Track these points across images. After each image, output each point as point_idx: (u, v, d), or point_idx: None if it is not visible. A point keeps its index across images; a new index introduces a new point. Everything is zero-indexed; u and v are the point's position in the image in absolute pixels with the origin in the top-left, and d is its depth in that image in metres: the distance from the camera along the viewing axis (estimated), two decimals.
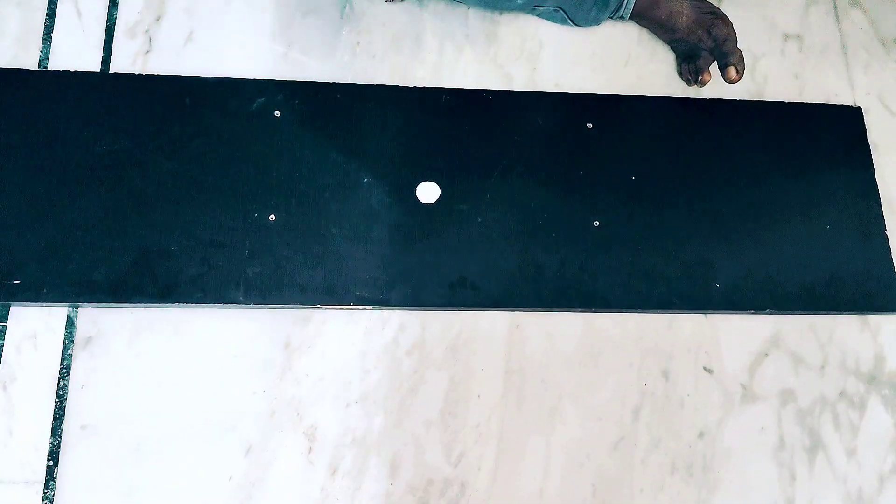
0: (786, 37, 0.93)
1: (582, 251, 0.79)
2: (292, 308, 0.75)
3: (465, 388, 0.75)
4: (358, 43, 0.85)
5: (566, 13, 0.86)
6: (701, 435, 0.76)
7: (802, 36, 0.93)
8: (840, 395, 0.79)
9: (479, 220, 0.79)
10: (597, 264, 0.79)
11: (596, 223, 0.80)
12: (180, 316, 0.73)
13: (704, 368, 0.78)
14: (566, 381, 0.76)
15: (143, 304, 0.73)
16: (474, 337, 0.77)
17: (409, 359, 0.75)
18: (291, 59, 0.84)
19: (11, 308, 0.72)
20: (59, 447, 0.69)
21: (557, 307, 0.77)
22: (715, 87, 0.88)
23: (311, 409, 0.72)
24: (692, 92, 0.88)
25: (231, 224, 0.75)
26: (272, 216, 0.76)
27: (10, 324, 0.71)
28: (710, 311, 0.80)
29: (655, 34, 0.90)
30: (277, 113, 0.80)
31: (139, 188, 0.76)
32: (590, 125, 0.84)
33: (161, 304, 0.73)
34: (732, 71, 0.83)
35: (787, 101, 0.89)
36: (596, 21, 0.88)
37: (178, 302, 0.73)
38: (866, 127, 0.88)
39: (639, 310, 0.79)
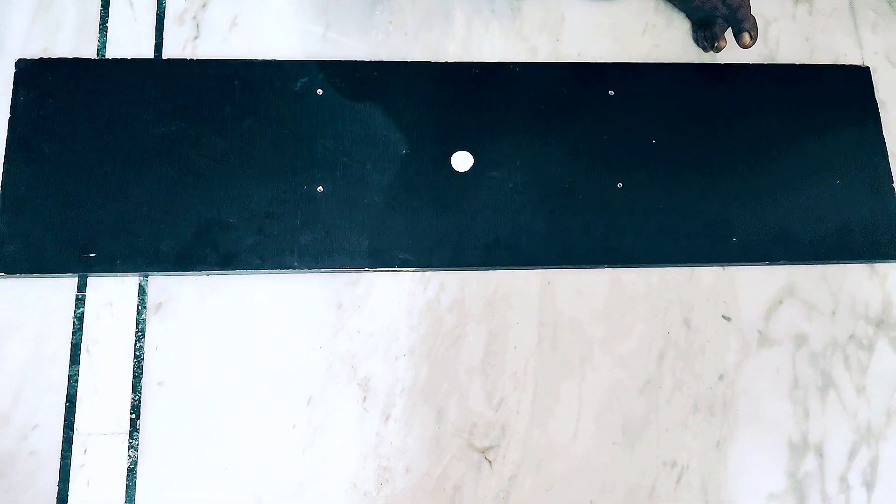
0: (797, 1, 0.97)
1: (607, 212, 0.85)
2: (342, 272, 0.81)
3: (502, 340, 0.82)
4: (391, 22, 0.91)
5: None
6: (721, 377, 0.82)
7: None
8: (850, 338, 0.85)
9: (511, 185, 0.85)
10: (621, 223, 0.85)
11: (619, 185, 0.86)
12: (241, 282, 0.80)
13: (723, 317, 0.84)
14: (595, 332, 0.83)
15: (206, 272, 0.80)
16: (509, 293, 0.83)
17: (451, 315, 0.82)
18: (329, 40, 0.89)
19: (89, 279, 0.79)
20: (139, 402, 0.76)
21: (586, 264, 0.84)
22: (730, 53, 0.93)
23: (363, 362, 0.79)
24: (708, 58, 0.93)
25: (283, 196, 0.82)
26: (320, 188, 0.83)
27: (89, 293, 0.79)
28: (727, 264, 0.86)
29: (672, 4, 0.94)
30: (320, 91, 0.86)
31: (197, 166, 0.82)
32: (611, 92, 0.90)
33: (223, 272, 0.80)
34: (746, 37, 0.88)
35: (798, 63, 0.94)
36: None
37: (239, 269, 0.79)
38: (874, 85, 0.93)
39: (661, 264, 0.85)
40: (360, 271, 0.82)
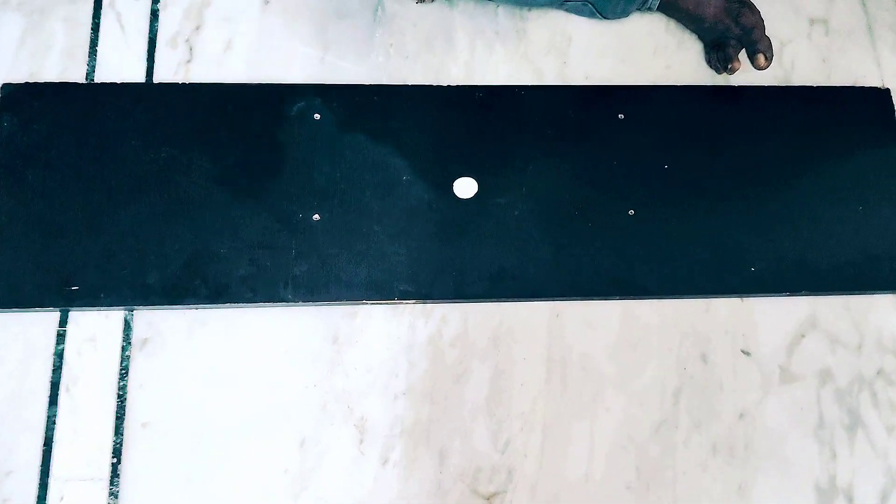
0: (812, 21, 0.93)
1: (618, 240, 0.81)
2: (339, 304, 0.77)
3: (508, 377, 0.77)
4: (391, 45, 0.88)
5: (594, 6, 0.88)
6: (741, 416, 0.77)
7: (828, 20, 0.93)
8: (878, 373, 0.80)
9: (517, 212, 0.81)
10: (633, 252, 0.80)
11: (631, 212, 0.82)
12: (232, 315, 0.76)
13: (742, 351, 0.80)
14: (607, 368, 0.78)
15: (195, 306, 0.75)
16: (515, 327, 0.79)
17: (453, 350, 0.77)
18: (328, 63, 0.86)
19: (71, 313, 0.75)
20: (121, 444, 0.72)
21: (596, 296, 0.79)
22: (743, 75, 0.89)
23: (360, 401, 0.75)
24: (721, 80, 0.90)
25: (277, 225, 0.78)
26: (316, 216, 0.79)
27: (70, 328, 0.74)
28: (745, 295, 0.81)
29: (683, 24, 0.91)
30: (317, 116, 0.82)
31: (187, 194, 0.78)
32: (621, 116, 0.86)
33: (213, 305, 0.75)
34: (762, 58, 0.84)
35: (815, 85, 0.90)
36: (624, 13, 0.89)
37: (229, 302, 0.75)
38: (895, 107, 0.89)
39: (676, 295, 0.80)
40: (357, 304, 0.77)
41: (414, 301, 0.77)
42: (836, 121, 0.88)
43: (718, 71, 0.89)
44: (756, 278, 0.81)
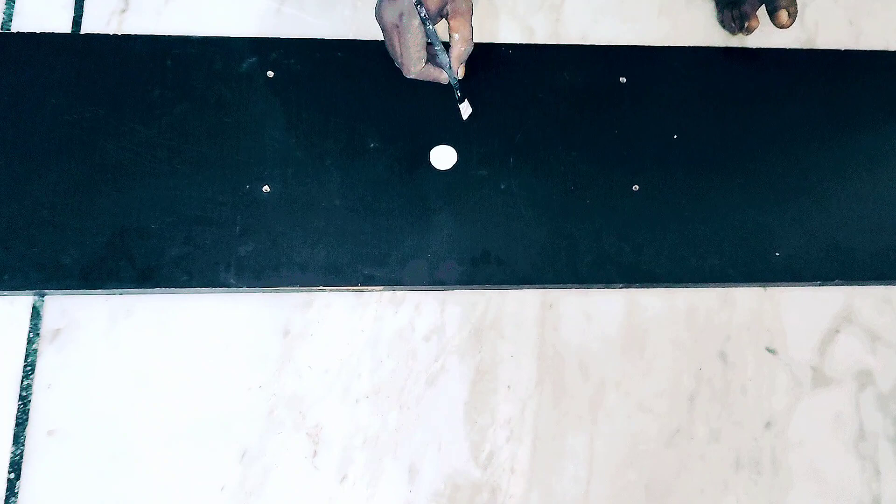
0: None
1: (621, 219, 0.69)
2: (291, 291, 0.65)
3: (492, 377, 0.65)
4: None
5: None
6: (768, 425, 0.65)
7: None
8: None
9: (503, 186, 0.69)
10: (638, 234, 0.69)
11: (635, 187, 0.70)
12: (162, 303, 0.64)
13: (767, 349, 0.68)
14: (609, 368, 0.66)
15: (119, 291, 0.63)
16: (501, 319, 0.67)
17: (428, 345, 0.65)
18: (285, 16, 0.74)
19: None
20: (21, 457, 0.59)
21: (595, 283, 0.67)
22: (761, 36, 0.78)
23: (314, 405, 0.62)
24: (735, 42, 0.79)
25: (219, 197, 0.66)
26: (266, 187, 0.67)
27: None
28: (769, 283, 0.69)
29: None
30: (270, 74, 0.71)
31: (114, 160, 0.66)
32: (623, 79, 0.75)
33: (140, 290, 0.63)
34: (784, 14, 0.73)
35: (843, 48, 0.79)
36: None
37: (160, 287, 0.63)
38: None
39: (688, 284, 0.69)
40: (313, 290, 0.65)
41: (381, 287, 0.65)
42: (868, 88, 0.77)
43: (733, 31, 0.78)
44: (781, 265, 0.69)
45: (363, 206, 0.67)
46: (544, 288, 0.68)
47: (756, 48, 0.78)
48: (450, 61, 0.65)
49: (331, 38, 0.73)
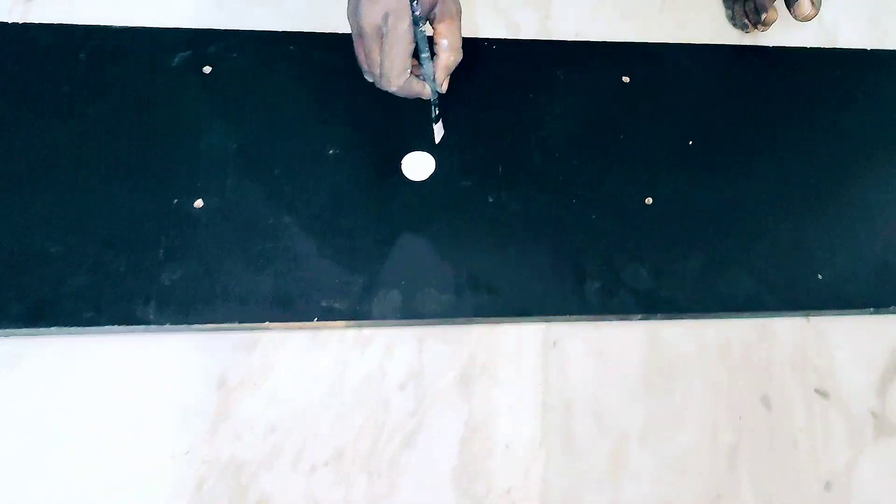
0: None
1: (634, 237, 0.57)
2: (229, 329, 0.51)
3: (486, 434, 0.51)
4: None
5: None
6: (828, 486, 0.53)
7: None
8: None
9: (491, 199, 0.57)
10: (656, 254, 0.57)
11: (648, 200, 0.59)
12: (61, 346, 0.50)
13: (817, 391, 0.56)
14: (630, 418, 0.53)
15: (4, 332, 0.49)
16: (495, 361, 0.53)
17: (404, 395, 0.51)
18: (227, 9, 0.63)
19: None
20: None
21: (608, 313, 0.55)
22: (774, 35, 0.69)
23: (258, 475, 0.48)
24: (749, 40, 0.69)
25: (139, 214, 0.53)
26: (199, 202, 0.54)
27: None
28: (813, 312, 0.58)
29: None
30: (208, 69, 0.59)
31: (5, 168, 0.53)
32: (626, 79, 0.64)
33: (31, 330, 0.49)
34: (806, 4, 0.63)
35: (866, 48, 0.70)
36: None
37: (57, 325, 0.49)
38: None
39: (718, 313, 0.56)
40: (257, 328, 0.51)
41: (343, 323, 0.52)
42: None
43: (746, 28, 0.68)
44: (826, 289, 0.58)
45: (320, 224, 0.54)
46: (546, 321, 0.55)
47: (774, 46, 0.68)
48: (434, 73, 0.54)
49: (282, 29, 0.61)
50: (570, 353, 0.54)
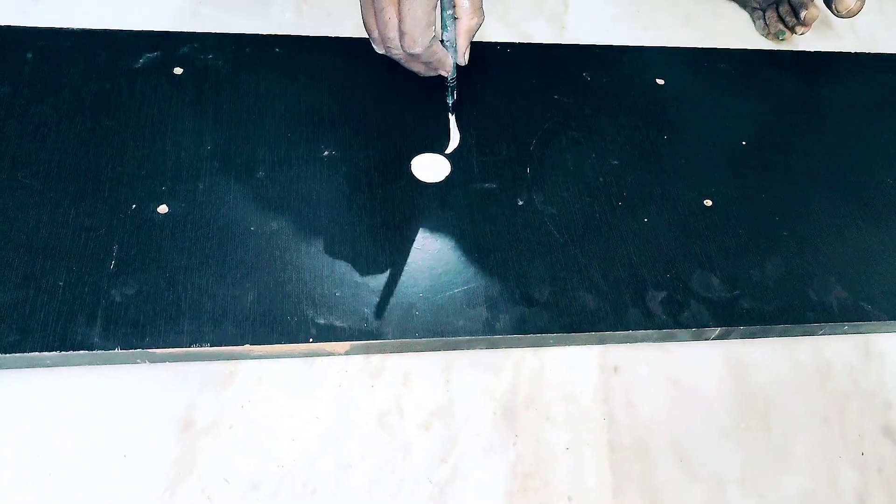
0: None
1: (697, 242, 0.47)
2: (198, 356, 0.39)
3: (540, 484, 0.38)
4: (305, 0, 0.58)
5: None
6: None
7: None
8: None
9: (521, 202, 0.47)
10: (727, 261, 0.47)
11: (708, 202, 0.49)
12: None
13: None
14: (722, 457, 0.41)
15: None
16: (543, 391, 0.41)
17: (429, 438, 0.39)
18: (204, 17, 0.55)
19: None
20: None
21: (679, 327, 0.44)
22: (808, 43, 0.63)
23: None
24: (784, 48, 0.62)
25: (86, 221, 0.42)
26: (163, 207, 0.43)
27: None
28: None
29: None
30: (178, 70, 0.50)
31: None
32: (660, 81, 0.56)
33: None
34: None
35: None
36: None
37: None
38: None
39: (810, 328, 0.45)
40: (235, 355, 0.39)
41: (347, 346, 0.40)
42: None
43: (782, 34, 0.62)
44: None
45: (314, 229, 0.44)
46: (601, 341, 0.43)
47: (815, 51, 0.62)
48: (455, 38, 0.46)
49: (266, 33, 0.53)
50: (637, 381, 0.43)
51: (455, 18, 0.46)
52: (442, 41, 0.47)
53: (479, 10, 0.46)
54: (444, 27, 0.46)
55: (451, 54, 0.47)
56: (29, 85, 0.47)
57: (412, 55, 0.45)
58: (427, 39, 0.44)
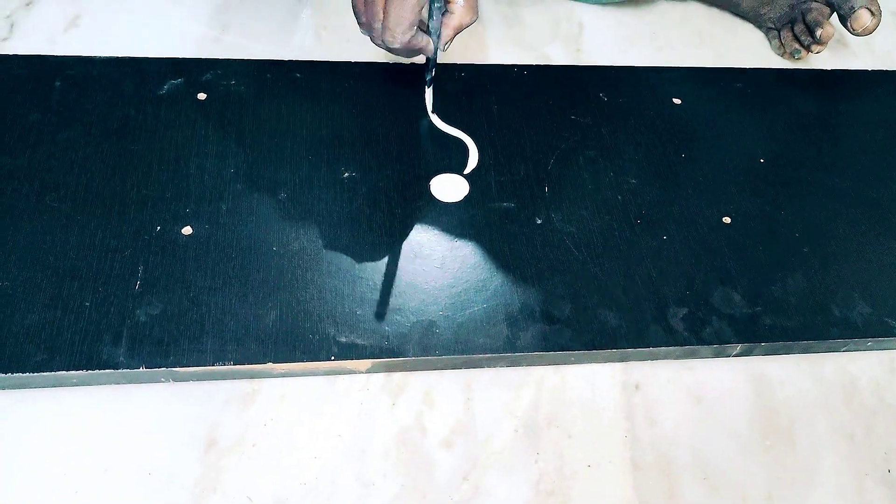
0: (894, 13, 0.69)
1: (718, 259, 0.47)
2: (221, 375, 0.39)
3: (562, 501, 0.38)
4: (325, 27, 0.59)
5: None
6: None
7: None
8: None
9: (539, 220, 0.47)
10: (747, 277, 0.46)
11: (726, 219, 0.49)
12: (8, 400, 0.38)
13: None
14: (748, 475, 0.40)
15: None
16: (563, 408, 0.41)
17: (451, 456, 0.39)
18: (226, 44, 0.56)
19: None
20: None
21: (702, 344, 0.43)
22: (822, 59, 0.63)
23: None
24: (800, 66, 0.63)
25: (112, 242, 0.43)
26: (187, 229, 0.44)
27: None
28: None
29: (733, 12, 0.66)
30: (202, 96, 0.51)
31: None
32: (677, 100, 0.56)
33: None
34: (865, 15, 0.58)
35: None
36: None
37: (2, 372, 0.37)
38: None
39: (834, 344, 0.45)
40: (257, 374, 0.40)
41: (368, 363, 0.41)
42: None
43: (797, 53, 0.62)
44: None
45: (335, 249, 0.44)
46: (622, 358, 0.43)
47: (832, 69, 0.62)
48: (441, 28, 0.47)
49: (287, 59, 0.55)
50: (659, 399, 0.43)
51: (445, 11, 0.46)
52: (427, 30, 0.47)
53: (472, 10, 0.47)
54: (430, 16, 0.46)
55: (433, 40, 0.47)
56: (57, 112, 0.48)
57: (390, 49, 0.46)
58: (407, 38, 0.45)
